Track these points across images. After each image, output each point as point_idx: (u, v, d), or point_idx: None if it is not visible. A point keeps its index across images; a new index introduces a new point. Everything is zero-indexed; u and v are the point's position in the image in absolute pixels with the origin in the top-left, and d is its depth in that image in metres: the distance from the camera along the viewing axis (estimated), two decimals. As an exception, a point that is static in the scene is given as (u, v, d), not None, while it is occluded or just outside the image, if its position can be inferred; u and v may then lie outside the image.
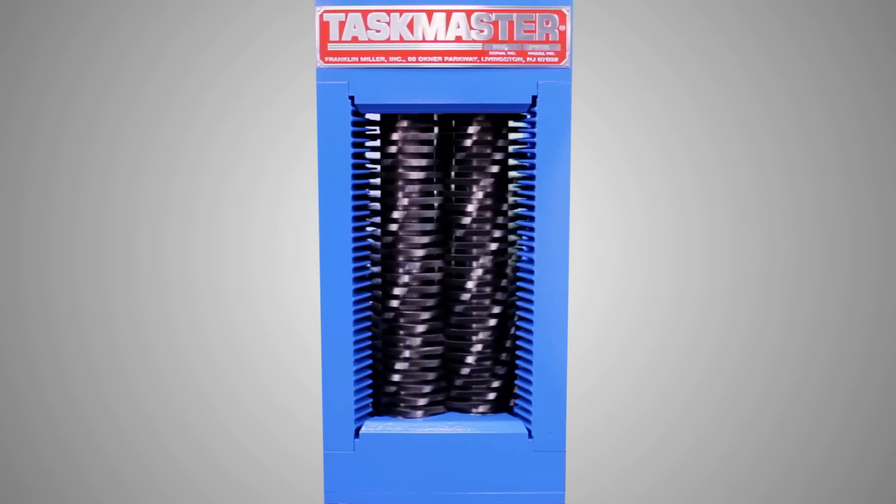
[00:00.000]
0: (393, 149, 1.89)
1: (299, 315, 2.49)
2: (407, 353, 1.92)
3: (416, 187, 1.90)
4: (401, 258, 1.91)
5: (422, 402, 1.93)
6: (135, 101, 2.57)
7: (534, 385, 1.85)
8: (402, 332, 1.92)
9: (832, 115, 2.59)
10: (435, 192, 1.92)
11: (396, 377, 1.94)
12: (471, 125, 1.90)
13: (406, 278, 1.91)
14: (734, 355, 2.58)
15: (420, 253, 1.91)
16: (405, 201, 1.89)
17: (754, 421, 2.46)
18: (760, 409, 2.49)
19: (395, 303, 1.92)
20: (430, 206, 1.91)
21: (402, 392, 1.94)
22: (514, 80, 1.78)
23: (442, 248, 1.95)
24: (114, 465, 2.30)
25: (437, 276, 1.93)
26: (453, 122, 1.93)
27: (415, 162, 1.88)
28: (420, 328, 1.92)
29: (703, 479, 2.25)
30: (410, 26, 1.77)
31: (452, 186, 1.95)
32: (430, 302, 1.92)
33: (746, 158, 2.60)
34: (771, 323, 2.60)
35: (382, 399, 1.98)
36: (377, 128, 1.93)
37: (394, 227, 1.91)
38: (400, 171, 1.89)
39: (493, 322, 1.95)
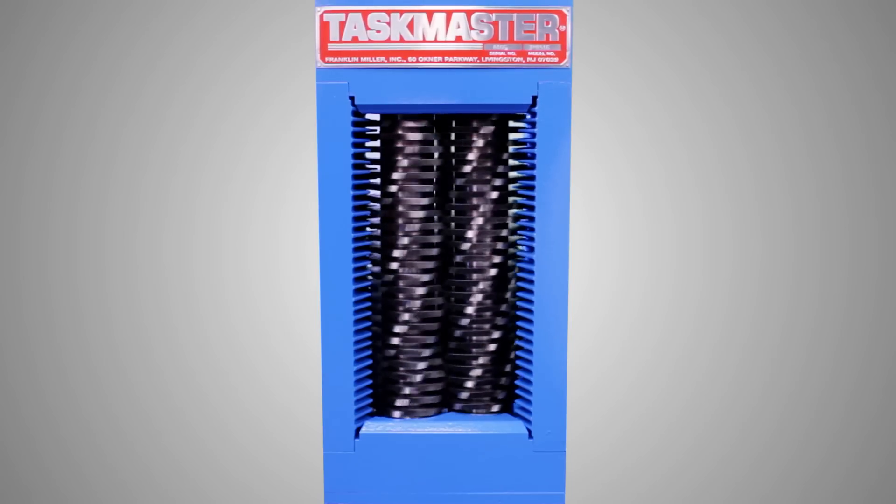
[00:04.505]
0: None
1: (299, 315, 2.49)
2: (406, 316, 1.92)
3: (416, 148, 1.90)
4: (400, 220, 1.91)
5: (420, 367, 1.94)
6: (135, 101, 2.57)
7: (534, 385, 1.85)
8: (401, 296, 1.93)
9: (832, 115, 2.59)
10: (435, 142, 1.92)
11: (395, 340, 1.94)
12: None
13: (406, 240, 1.91)
14: (734, 355, 2.58)
15: (420, 214, 1.91)
16: (405, 162, 1.90)
17: (754, 421, 2.46)
18: (760, 409, 2.49)
19: (394, 265, 1.92)
20: (430, 168, 1.91)
21: (402, 355, 1.94)
22: (514, 80, 1.78)
23: (440, 211, 1.96)
24: (114, 465, 2.30)
25: (436, 238, 1.94)
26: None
27: (413, 123, 1.89)
28: (419, 290, 1.92)
29: (703, 479, 2.25)
30: (410, 26, 1.77)
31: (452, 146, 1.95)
32: (430, 265, 1.92)
33: (746, 158, 2.60)
34: (771, 323, 2.60)
35: (382, 363, 1.97)
36: (377, 128, 1.93)
37: (393, 188, 1.91)
38: (399, 132, 1.89)
39: (491, 279, 1.95)
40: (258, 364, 2.56)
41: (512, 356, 1.99)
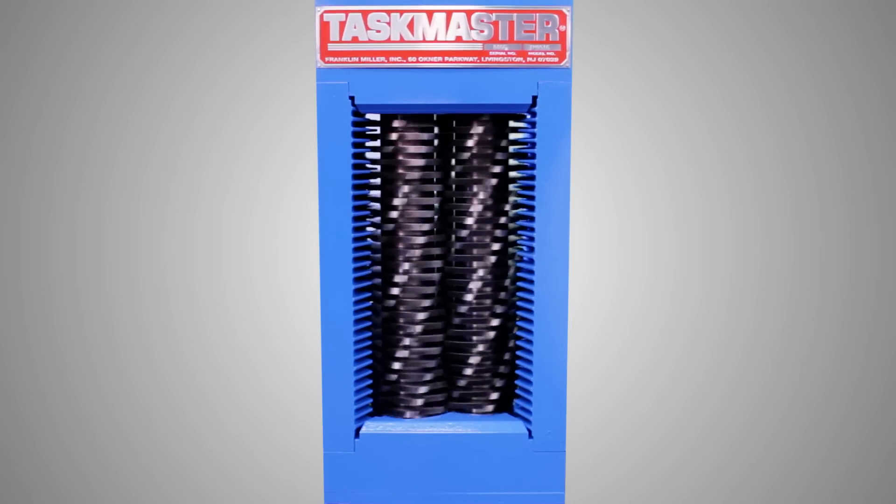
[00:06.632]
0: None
1: (299, 315, 2.49)
2: (407, 341, 1.92)
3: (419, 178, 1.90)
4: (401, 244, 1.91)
5: (422, 389, 1.94)
6: (135, 101, 2.57)
7: (534, 385, 1.85)
8: (403, 320, 1.93)
9: (832, 115, 2.59)
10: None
11: (397, 365, 1.94)
12: None
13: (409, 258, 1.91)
14: (734, 355, 2.58)
15: (422, 231, 1.91)
16: (405, 190, 1.90)
17: (754, 421, 2.46)
18: (760, 409, 2.49)
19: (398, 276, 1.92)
20: (431, 185, 1.91)
21: (403, 380, 1.94)
22: (514, 80, 1.78)
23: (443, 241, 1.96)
24: (114, 465, 2.30)
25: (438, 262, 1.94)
26: None
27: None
28: (422, 310, 1.92)
29: (703, 479, 2.25)
30: (411, 26, 1.77)
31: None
32: (432, 288, 1.93)
33: (746, 158, 2.60)
34: (771, 323, 2.60)
35: (383, 388, 1.98)
36: (377, 128, 1.93)
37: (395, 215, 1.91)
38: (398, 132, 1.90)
39: (497, 316, 1.95)
40: (258, 364, 2.57)
41: (511, 344, 1.99)
